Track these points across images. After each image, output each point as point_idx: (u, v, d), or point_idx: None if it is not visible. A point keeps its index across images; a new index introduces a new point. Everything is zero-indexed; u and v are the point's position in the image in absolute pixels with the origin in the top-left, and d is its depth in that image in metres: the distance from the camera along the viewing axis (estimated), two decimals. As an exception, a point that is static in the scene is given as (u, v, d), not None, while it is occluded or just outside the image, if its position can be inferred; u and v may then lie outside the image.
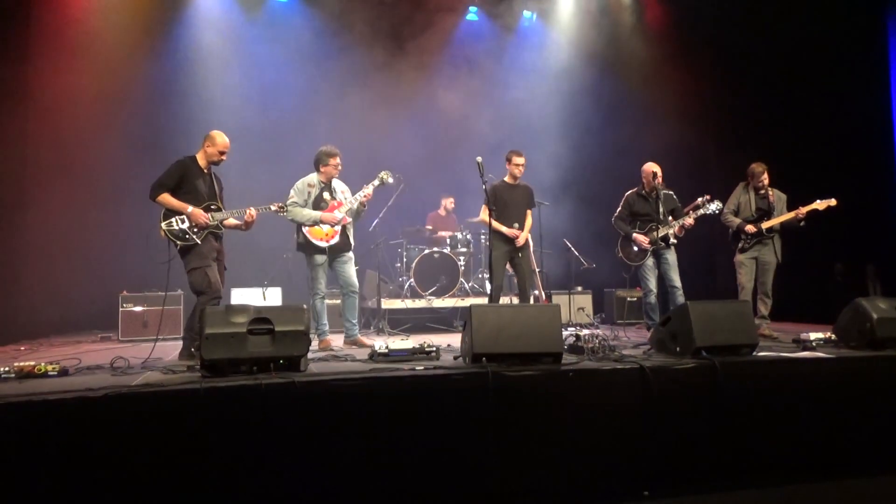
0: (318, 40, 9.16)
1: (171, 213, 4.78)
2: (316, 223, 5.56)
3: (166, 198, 4.79)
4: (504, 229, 5.86)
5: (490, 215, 5.78)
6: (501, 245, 5.88)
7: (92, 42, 8.13)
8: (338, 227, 5.62)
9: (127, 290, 6.99)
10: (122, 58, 8.33)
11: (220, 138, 5.05)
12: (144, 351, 5.27)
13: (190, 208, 4.78)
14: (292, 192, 5.66)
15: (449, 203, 8.90)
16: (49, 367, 3.93)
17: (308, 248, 5.59)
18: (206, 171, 5.04)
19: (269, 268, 7.82)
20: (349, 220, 5.72)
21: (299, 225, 5.60)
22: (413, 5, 9.48)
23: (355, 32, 9.05)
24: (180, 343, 5.02)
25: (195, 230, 4.78)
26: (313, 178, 5.72)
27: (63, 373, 3.97)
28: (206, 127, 8.30)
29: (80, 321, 7.80)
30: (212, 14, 9.02)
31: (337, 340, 5.70)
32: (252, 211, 5.02)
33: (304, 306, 4.07)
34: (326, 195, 5.70)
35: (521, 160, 6.08)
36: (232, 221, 5.04)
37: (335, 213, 5.62)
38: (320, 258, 5.60)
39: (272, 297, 7.72)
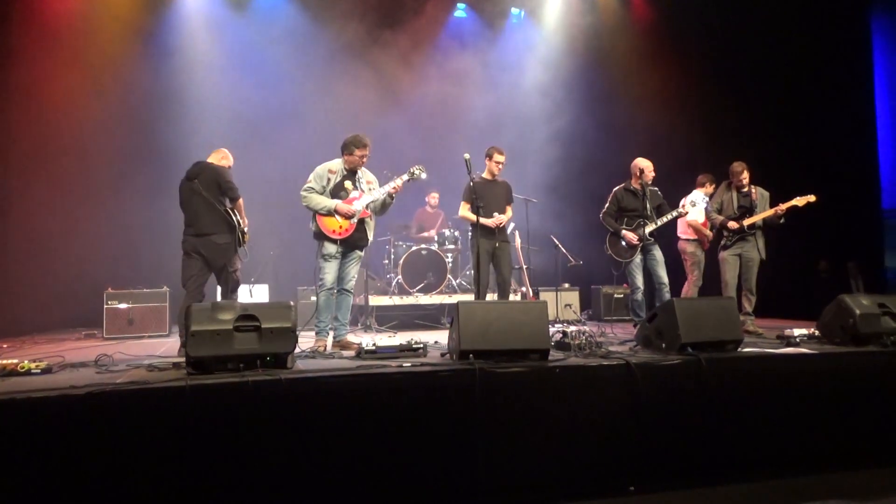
0: (304, 35, 9.14)
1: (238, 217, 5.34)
2: (330, 213, 5.18)
3: (242, 203, 5.40)
4: (488, 221, 5.84)
5: (476, 212, 5.76)
6: (484, 241, 5.85)
7: (77, 39, 8.06)
8: (354, 221, 5.24)
9: (112, 287, 6.92)
10: (107, 55, 8.27)
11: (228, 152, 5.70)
12: (129, 348, 5.25)
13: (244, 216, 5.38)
14: (311, 176, 5.30)
15: (433, 199, 8.90)
16: (32, 365, 3.88)
17: (320, 237, 5.26)
18: None
19: (256, 265, 7.78)
20: (369, 213, 5.36)
21: (314, 213, 5.25)
22: (400, 1, 9.48)
23: (342, 27, 9.02)
24: (165, 340, 5.00)
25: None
26: (336, 164, 5.36)
27: (46, 371, 3.92)
28: (191, 124, 8.35)
29: (64, 318, 7.72)
30: (198, 9, 8.95)
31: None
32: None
33: (291, 303, 4.05)
34: (348, 184, 5.31)
35: (501, 157, 6.04)
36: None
37: (353, 205, 5.23)
38: (331, 247, 5.21)
39: (259, 293, 7.69)
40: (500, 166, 6.06)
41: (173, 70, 8.66)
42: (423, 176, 5.44)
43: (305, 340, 5.40)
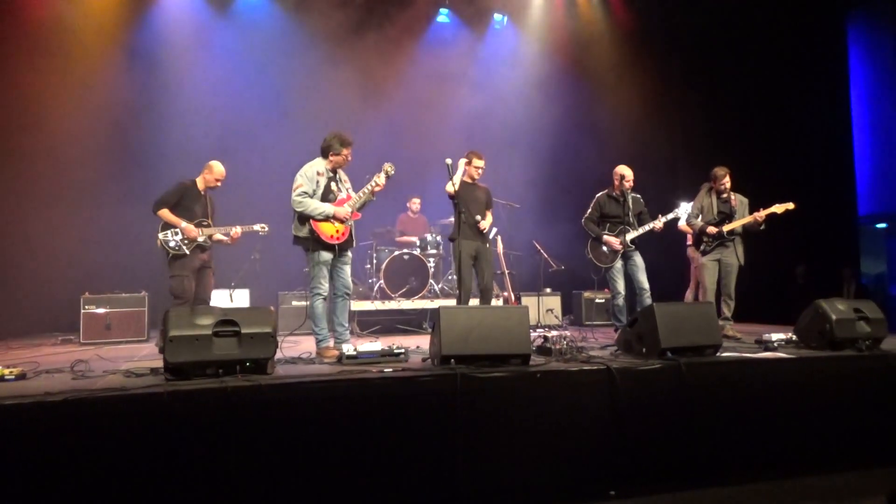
0: (286, 39, 9.12)
1: (167, 226, 5.50)
2: (327, 217, 5.03)
3: (165, 213, 5.50)
4: (481, 223, 5.81)
5: (457, 212, 5.73)
6: (468, 245, 5.83)
7: (57, 44, 7.96)
8: (349, 224, 5.16)
9: (89, 292, 6.83)
10: (86, 60, 8.18)
11: (218, 168, 5.76)
12: (107, 354, 5.18)
13: (183, 224, 5.49)
14: (300, 179, 5.07)
15: (414, 204, 8.89)
16: (6, 371, 3.82)
17: (313, 243, 5.04)
18: (203, 193, 5.74)
19: (237, 269, 7.72)
20: (359, 215, 5.28)
21: (306, 217, 5.04)
22: (384, 5, 9.49)
23: (324, 32, 9.01)
24: (143, 345, 4.96)
25: (185, 242, 5.49)
26: (321, 165, 5.18)
27: (21, 377, 3.86)
28: (170, 128, 8.28)
29: (40, 323, 7.59)
30: (178, 14, 8.89)
31: (307, 343, 5.58)
32: (237, 230, 5.73)
33: (272, 308, 4.03)
34: (334, 186, 5.18)
35: (480, 162, 5.96)
36: (219, 237, 5.69)
37: (345, 207, 5.14)
38: (326, 255, 5.06)
39: (239, 298, 7.62)
40: (480, 171, 6.02)
41: (152, 75, 8.59)
42: (393, 173, 5.32)
43: (288, 345, 5.37)
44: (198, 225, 5.59)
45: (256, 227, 5.90)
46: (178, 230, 5.48)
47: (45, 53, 7.85)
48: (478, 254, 5.88)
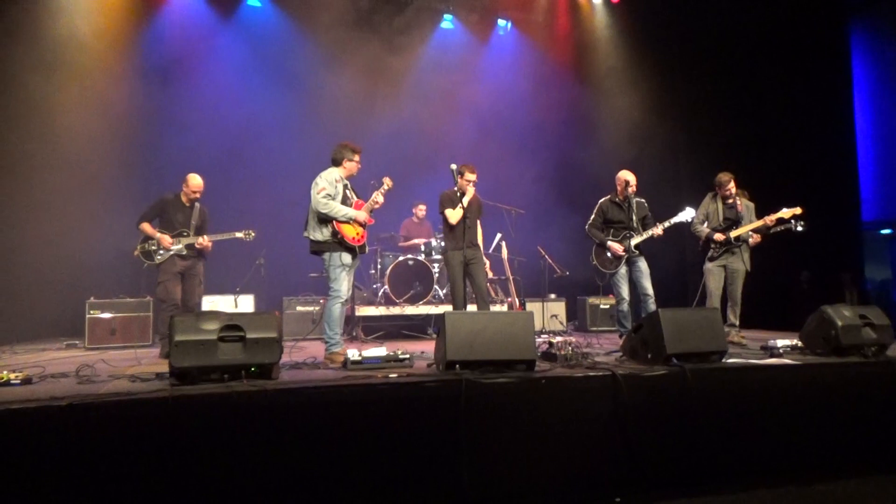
0: (289, 47, 9.15)
1: (146, 238, 5.95)
2: (349, 220, 5.13)
3: (144, 226, 5.98)
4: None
5: (445, 223, 5.76)
6: (457, 255, 5.82)
7: (70, 55, 7.98)
8: (365, 228, 5.29)
9: (95, 297, 6.84)
10: (99, 70, 8.20)
11: (194, 181, 6.03)
12: (112, 358, 5.19)
13: (157, 234, 5.92)
14: (323, 182, 5.11)
15: (420, 210, 8.89)
16: (12, 376, 3.83)
17: (337, 246, 5.11)
18: (187, 204, 6.06)
19: (242, 274, 7.73)
20: (373, 220, 5.36)
21: (328, 220, 5.08)
22: (388, 11, 9.52)
23: (328, 39, 9.03)
24: (149, 350, 4.97)
25: (161, 252, 5.89)
26: (337, 173, 5.25)
27: (26, 381, 3.87)
28: (176, 135, 8.31)
29: (45, 328, 7.61)
30: (185, 21, 8.93)
31: (312, 348, 5.59)
32: (202, 240, 5.97)
33: (277, 313, 4.03)
34: (349, 193, 5.31)
35: (472, 177, 5.90)
36: (200, 245, 5.97)
37: (363, 211, 5.25)
38: (348, 257, 5.14)
39: (244, 304, 7.63)
40: (469, 185, 6.00)
41: (160, 83, 8.60)
42: (391, 186, 5.42)
43: (294, 351, 5.38)
44: (177, 235, 5.93)
45: (239, 234, 6.20)
46: (154, 241, 5.91)
47: (59, 67, 7.87)
48: (468, 260, 5.86)
